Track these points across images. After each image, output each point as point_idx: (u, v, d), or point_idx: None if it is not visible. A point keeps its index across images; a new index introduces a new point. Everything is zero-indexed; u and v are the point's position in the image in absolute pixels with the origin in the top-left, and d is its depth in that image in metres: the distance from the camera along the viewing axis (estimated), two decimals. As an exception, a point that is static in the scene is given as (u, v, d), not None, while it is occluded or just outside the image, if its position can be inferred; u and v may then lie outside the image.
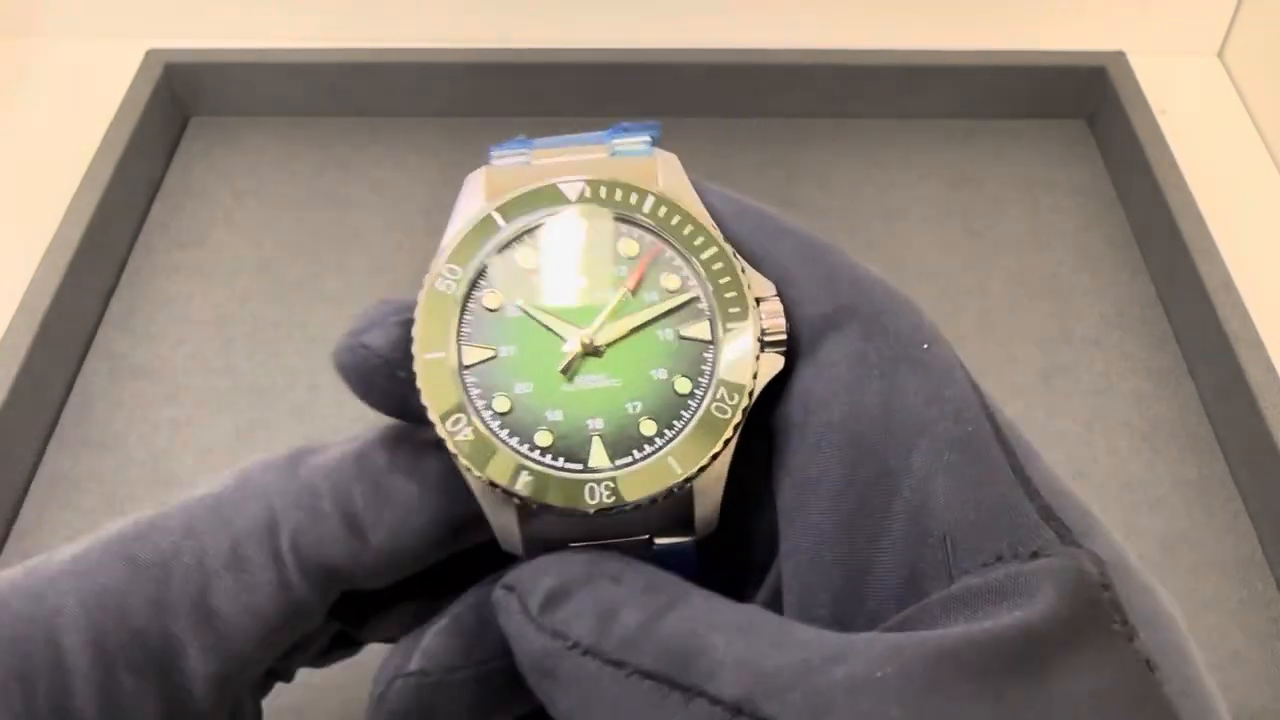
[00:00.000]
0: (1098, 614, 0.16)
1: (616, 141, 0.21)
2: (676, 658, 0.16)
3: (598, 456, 0.18)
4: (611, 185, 0.20)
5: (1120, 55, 0.52)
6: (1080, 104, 0.53)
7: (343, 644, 0.24)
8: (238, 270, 0.47)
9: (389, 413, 0.21)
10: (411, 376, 0.19)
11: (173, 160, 0.52)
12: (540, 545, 0.19)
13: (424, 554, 0.21)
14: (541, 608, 0.18)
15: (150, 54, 0.52)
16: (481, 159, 0.21)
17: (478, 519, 0.20)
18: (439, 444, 0.19)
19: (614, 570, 0.18)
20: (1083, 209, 0.50)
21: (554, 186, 0.20)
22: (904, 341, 0.19)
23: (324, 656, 0.24)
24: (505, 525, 0.19)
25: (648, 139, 0.21)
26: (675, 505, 0.19)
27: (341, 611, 0.22)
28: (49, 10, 0.57)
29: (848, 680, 0.15)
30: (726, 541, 0.21)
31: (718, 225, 0.20)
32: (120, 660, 0.19)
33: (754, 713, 0.15)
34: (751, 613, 0.18)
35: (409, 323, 0.19)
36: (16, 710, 0.18)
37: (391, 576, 0.21)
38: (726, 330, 0.19)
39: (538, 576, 0.18)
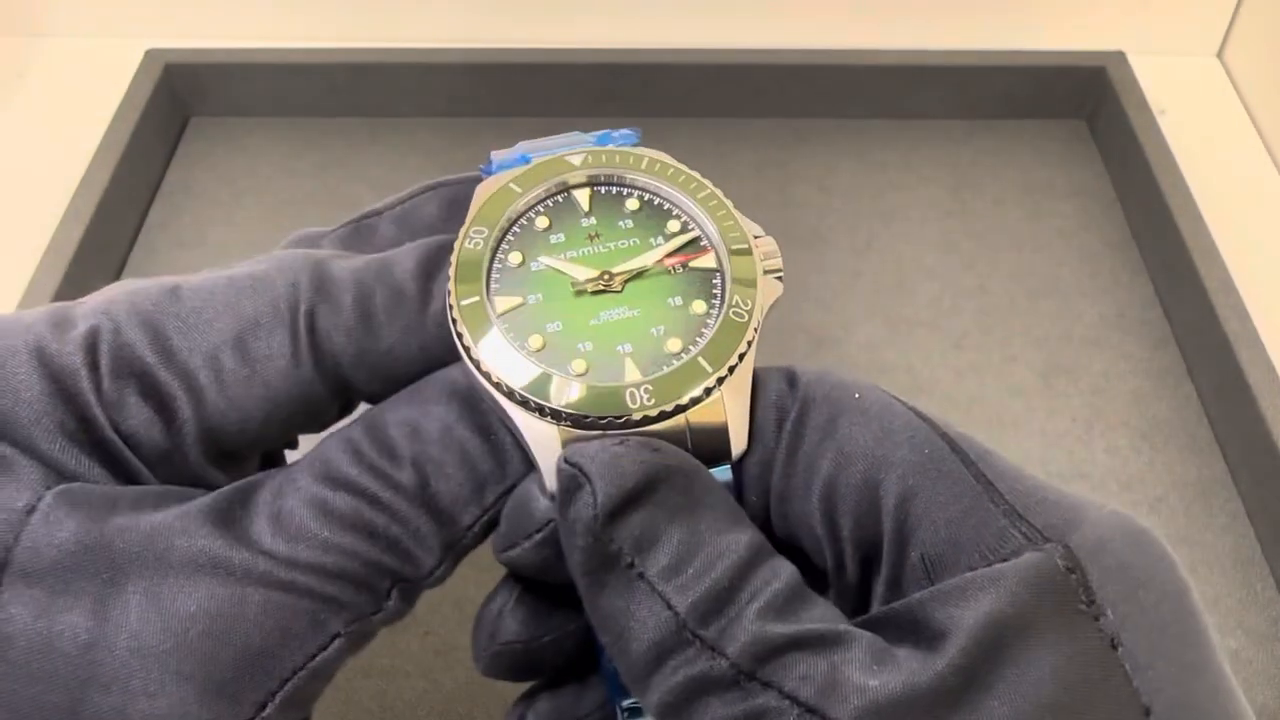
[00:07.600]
0: (1062, 596, 0.17)
1: (606, 143, 0.23)
2: (709, 614, 0.18)
3: (631, 373, 0.20)
4: (610, 153, 0.22)
5: (1120, 55, 0.52)
6: (1080, 104, 0.53)
7: None
8: (238, 270, 0.47)
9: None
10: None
11: (173, 160, 0.52)
12: None
13: (419, 372, 0.21)
14: (610, 515, 0.18)
15: (150, 54, 0.51)
16: (481, 161, 0.23)
17: None
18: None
19: (683, 483, 0.19)
20: (1082, 209, 0.50)
21: (560, 158, 0.22)
22: (833, 401, 0.20)
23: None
24: (546, 451, 0.19)
25: (635, 141, 0.23)
26: (709, 438, 0.20)
27: None
28: (49, 10, 0.57)
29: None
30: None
31: None
32: (130, 384, 0.20)
33: (753, 675, 0.17)
34: (779, 577, 0.18)
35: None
36: (40, 410, 0.19)
37: (386, 387, 0.21)
38: (732, 255, 0.21)
39: (611, 471, 0.18)
